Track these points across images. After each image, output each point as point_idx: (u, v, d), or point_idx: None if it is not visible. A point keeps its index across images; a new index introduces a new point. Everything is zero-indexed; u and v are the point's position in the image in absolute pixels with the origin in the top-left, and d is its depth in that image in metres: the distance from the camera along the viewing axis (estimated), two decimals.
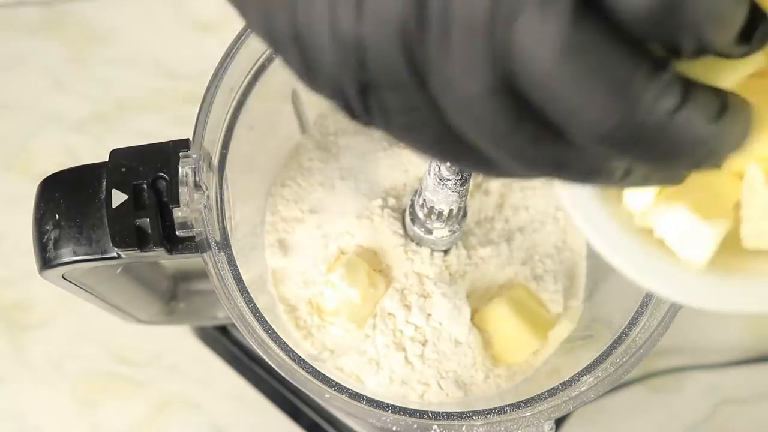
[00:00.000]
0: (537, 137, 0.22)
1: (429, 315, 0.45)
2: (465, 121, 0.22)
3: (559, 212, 0.49)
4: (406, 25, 0.21)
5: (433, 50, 0.21)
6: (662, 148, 0.21)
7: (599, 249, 0.30)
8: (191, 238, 0.39)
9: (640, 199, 0.30)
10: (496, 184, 0.48)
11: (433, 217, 0.43)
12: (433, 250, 0.46)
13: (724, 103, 0.22)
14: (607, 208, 0.30)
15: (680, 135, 0.21)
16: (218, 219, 0.40)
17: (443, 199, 0.41)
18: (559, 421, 0.58)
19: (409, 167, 0.48)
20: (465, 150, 0.24)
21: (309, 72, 0.23)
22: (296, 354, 0.39)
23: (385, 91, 0.23)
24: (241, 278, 0.40)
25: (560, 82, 0.20)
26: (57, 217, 0.39)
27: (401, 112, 0.23)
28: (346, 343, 0.46)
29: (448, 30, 0.21)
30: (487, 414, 0.39)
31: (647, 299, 0.41)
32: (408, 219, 0.46)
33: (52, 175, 0.40)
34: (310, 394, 0.39)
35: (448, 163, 0.24)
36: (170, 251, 0.39)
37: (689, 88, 0.21)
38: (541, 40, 0.20)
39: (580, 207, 0.30)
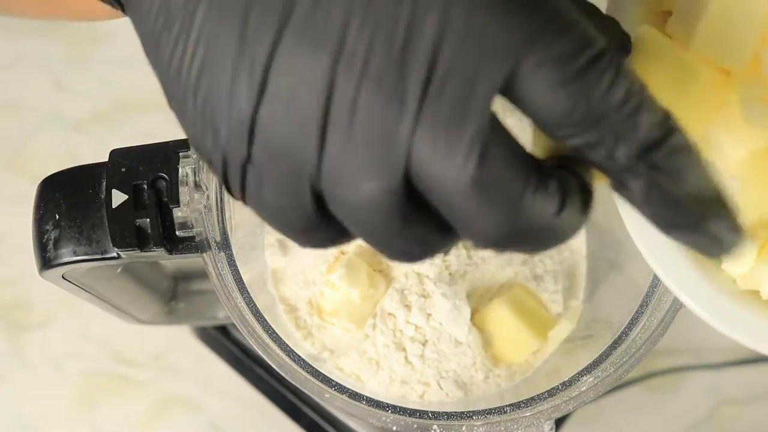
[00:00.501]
0: (421, 239, 0.24)
1: (429, 315, 0.45)
2: (353, 219, 0.23)
3: None
4: (309, 114, 0.22)
5: (334, 143, 0.22)
6: (540, 241, 0.24)
7: (710, 322, 0.29)
8: (191, 238, 0.39)
9: (741, 260, 0.29)
10: None
11: None
12: None
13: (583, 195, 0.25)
14: (707, 276, 0.29)
15: (557, 228, 0.24)
16: (218, 219, 0.40)
17: None
18: (559, 421, 0.58)
19: None
20: (333, 236, 0.25)
21: (199, 133, 0.24)
22: (296, 354, 0.39)
23: (267, 176, 0.23)
24: (241, 278, 0.40)
25: (462, 200, 0.22)
26: (57, 217, 0.39)
27: (277, 198, 0.24)
28: (346, 343, 0.46)
29: (352, 131, 0.22)
30: (487, 414, 0.39)
31: (647, 299, 0.41)
32: None
33: (52, 175, 0.40)
34: (310, 394, 0.38)
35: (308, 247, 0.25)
36: (170, 251, 0.39)
37: (566, 190, 0.24)
38: (449, 168, 0.22)
39: (678, 280, 0.29)
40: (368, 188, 0.22)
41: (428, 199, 0.23)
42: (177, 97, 0.24)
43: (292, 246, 0.47)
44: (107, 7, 0.28)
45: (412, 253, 0.24)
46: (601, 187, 0.26)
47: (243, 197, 0.24)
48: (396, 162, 0.22)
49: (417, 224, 0.23)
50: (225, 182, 0.24)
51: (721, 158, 0.28)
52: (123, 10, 0.26)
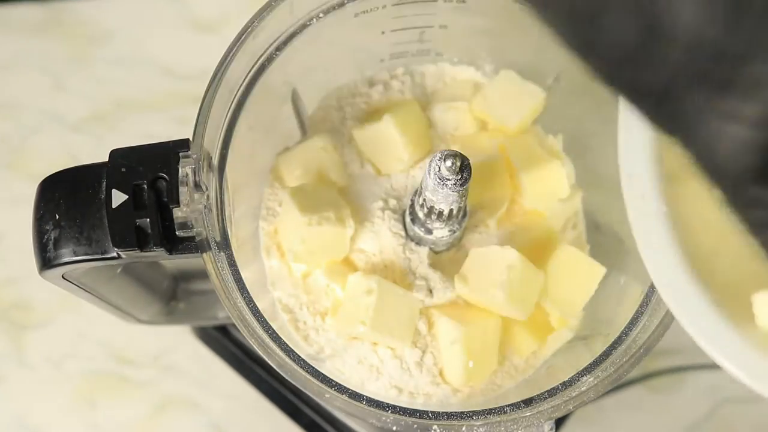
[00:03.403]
0: None
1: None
2: None
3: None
4: None
5: None
6: None
7: (745, 382, 0.28)
8: (191, 238, 0.39)
9: None
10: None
11: (433, 216, 0.43)
12: (433, 250, 0.46)
13: None
14: (742, 334, 0.29)
15: None
16: (218, 219, 0.40)
17: (443, 198, 0.41)
18: (559, 421, 0.58)
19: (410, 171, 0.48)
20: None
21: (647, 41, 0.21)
22: (296, 354, 0.39)
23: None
24: (241, 278, 0.40)
25: None
26: (57, 217, 0.39)
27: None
28: (345, 344, 0.46)
29: None
30: (487, 414, 0.39)
31: (647, 299, 0.41)
32: (408, 219, 0.46)
33: (52, 175, 0.40)
34: (310, 394, 0.38)
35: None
36: (170, 251, 0.39)
37: None
38: None
39: (713, 340, 0.29)
40: None
41: None
42: None
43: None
44: None
45: None
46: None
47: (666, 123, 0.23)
48: None
49: None
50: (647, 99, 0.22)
51: None
52: None
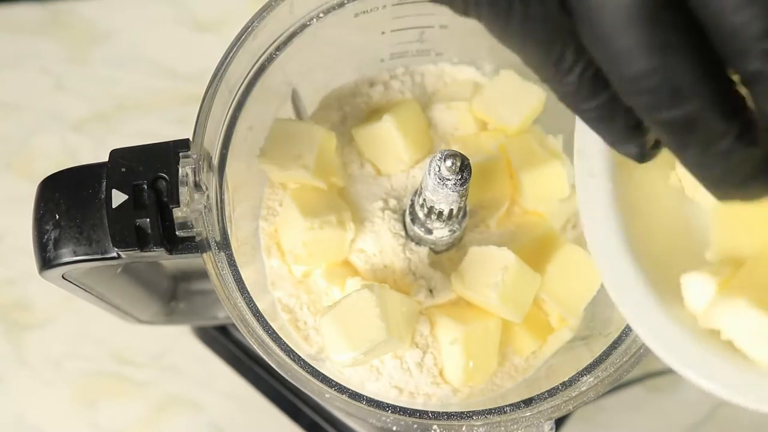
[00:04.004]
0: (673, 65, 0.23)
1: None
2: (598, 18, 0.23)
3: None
4: None
5: None
6: None
7: (665, 359, 0.28)
8: (191, 238, 0.39)
9: (701, 296, 0.28)
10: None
11: (433, 216, 0.43)
12: (433, 250, 0.46)
13: None
14: (669, 312, 0.29)
15: None
16: (218, 219, 0.40)
17: (443, 198, 0.41)
18: (559, 421, 0.58)
19: (410, 171, 0.48)
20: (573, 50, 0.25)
21: None
22: (296, 354, 0.39)
23: None
24: (241, 278, 0.40)
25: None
26: (57, 217, 0.39)
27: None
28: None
29: None
30: (487, 414, 0.39)
31: None
32: (408, 219, 0.46)
33: (52, 175, 0.40)
34: (310, 394, 0.38)
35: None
36: (170, 251, 0.39)
37: None
38: None
39: (638, 313, 0.29)
40: None
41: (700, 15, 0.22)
42: None
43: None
44: None
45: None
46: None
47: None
48: None
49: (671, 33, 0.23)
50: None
51: (703, 195, 0.28)
52: None
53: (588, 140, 0.34)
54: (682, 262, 0.32)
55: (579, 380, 0.40)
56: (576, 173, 0.35)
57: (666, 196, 0.35)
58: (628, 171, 0.34)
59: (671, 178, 0.35)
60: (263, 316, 0.39)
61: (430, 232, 0.44)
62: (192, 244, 0.39)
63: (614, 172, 0.34)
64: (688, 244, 0.33)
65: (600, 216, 0.33)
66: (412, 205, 0.45)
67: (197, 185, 0.38)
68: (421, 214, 0.43)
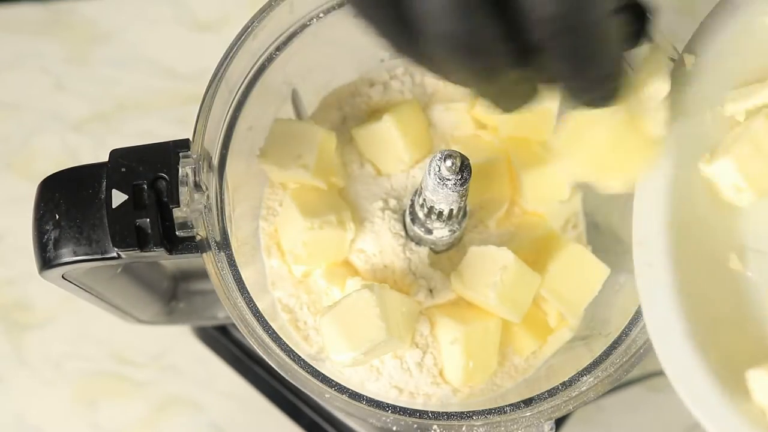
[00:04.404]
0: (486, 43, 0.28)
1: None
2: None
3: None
4: None
5: None
6: (591, 42, 0.27)
7: None
8: (191, 238, 0.39)
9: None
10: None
11: (433, 216, 0.43)
12: (433, 250, 0.46)
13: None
14: (737, 407, 0.29)
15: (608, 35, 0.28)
16: (218, 219, 0.40)
17: (443, 198, 0.41)
18: (559, 421, 0.58)
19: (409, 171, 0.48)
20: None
21: None
22: (296, 354, 0.39)
23: None
24: (241, 278, 0.40)
25: None
26: (57, 217, 0.39)
27: None
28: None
29: None
30: (487, 414, 0.39)
31: None
32: (408, 219, 0.46)
33: (52, 175, 0.40)
34: (310, 394, 0.39)
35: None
36: (170, 251, 0.39)
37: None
38: None
39: (706, 408, 0.29)
40: None
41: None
42: None
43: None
44: None
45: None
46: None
47: None
48: None
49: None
50: None
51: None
52: None
53: (647, 231, 0.35)
54: (748, 351, 0.32)
55: (579, 380, 0.40)
56: (635, 264, 0.36)
57: (727, 282, 0.35)
58: (687, 261, 0.34)
59: (731, 262, 0.36)
60: (263, 316, 0.39)
61: (430, 232, 0.44)
62: (192, 244, 0.39)
63: (673, 263, 0.34)
64: (753, 331, 0.33)
65: (660, 307, 0.34)
66: (412, 205, 0.45)
67: (197, 185, 0.38)
68: (421, 214, 0.43)
